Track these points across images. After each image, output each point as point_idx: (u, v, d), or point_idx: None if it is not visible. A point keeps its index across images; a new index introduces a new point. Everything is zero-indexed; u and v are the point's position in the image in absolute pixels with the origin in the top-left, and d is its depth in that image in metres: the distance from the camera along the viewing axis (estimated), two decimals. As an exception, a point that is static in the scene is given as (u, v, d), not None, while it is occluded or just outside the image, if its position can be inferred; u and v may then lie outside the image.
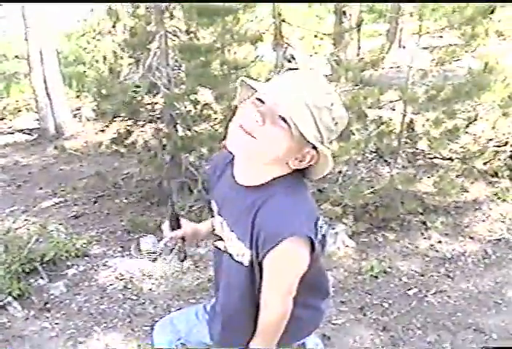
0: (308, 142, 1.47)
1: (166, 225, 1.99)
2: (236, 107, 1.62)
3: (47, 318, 3.58)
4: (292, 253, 1.53)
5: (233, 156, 1.66)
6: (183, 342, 2.06)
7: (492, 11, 4.71)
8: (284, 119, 1.44)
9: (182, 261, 2.14)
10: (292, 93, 1.44)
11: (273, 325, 1.71)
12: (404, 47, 11.76)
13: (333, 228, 4.22)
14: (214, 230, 1.84)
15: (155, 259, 4.16)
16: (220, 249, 1.80)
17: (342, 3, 6.84)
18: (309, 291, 1.75)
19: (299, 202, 1.57)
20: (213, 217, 1.84)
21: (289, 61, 9.01)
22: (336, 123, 1.51)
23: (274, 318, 1.70)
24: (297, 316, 1.73)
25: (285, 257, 1.54)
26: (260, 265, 1.60)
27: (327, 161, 1.53)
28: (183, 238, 1.99)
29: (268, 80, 1.63)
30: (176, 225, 1.98)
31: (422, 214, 4.62)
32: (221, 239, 1.78)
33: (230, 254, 1.72)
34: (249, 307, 1.72)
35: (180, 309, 2.17)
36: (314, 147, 1.50)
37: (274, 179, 1.57)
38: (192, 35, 5.17)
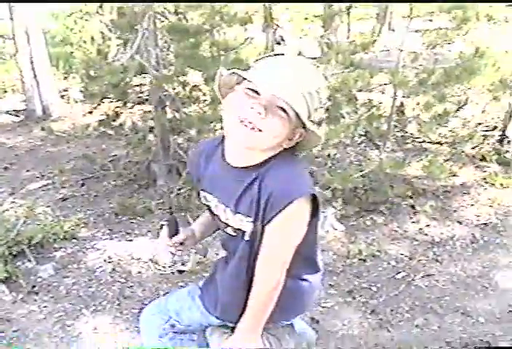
0: (303, 124, 1.57)
1: (164, 231, 1.97)
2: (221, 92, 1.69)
3: (35, 301, 3.56)
4: (298, 214, 1.62)
5: (220, 141, 1.76)
6: (173, 323, 2.04)
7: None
8: (282, 109, 1.52)
9: (205, 256, 2.12)
10: (287, 82, 1.53)
11: (265, 297, 1.72)
12: (393, 30, 11.73)
13: (322, 212, 4.22)
14: (214, 215, 1.85)
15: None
16: (221, 227, 1.84)
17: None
18: (303, 263, 1.79)
19: (298, 167, 1.68)
20: (209, 209, 1.87)
21: (279, 43, 8.97)
22: (323, 104, 1.64)
23: (267, 288, 1.71)
24: (288, 289, 1.74)
25: (291, 218, 1.61)
26: (261, 236, 1.66)
27: (316, 136, 1.63)
28: (182, 243, 1.99)
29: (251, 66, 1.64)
30: (174, 230, 1.95)
31: (411, 197, 4.63)
32: (218, 218, 1.82)
33: (229, 230, 1.77)
34: (244, 282, 1.75)
35: (167, 293, 2.12)
36: (303, 127, 1.59)
37: (269, 158, 1.64)
38: (181, 16, 5.11)
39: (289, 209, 1.57)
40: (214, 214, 1.84)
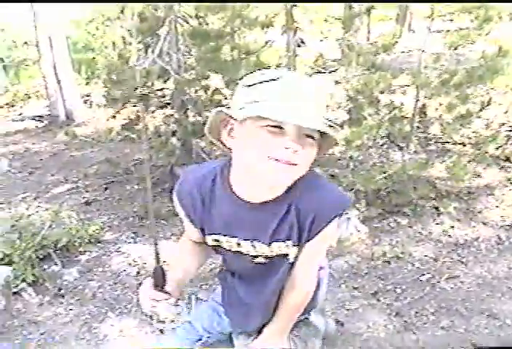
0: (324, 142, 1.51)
1: (148, 285, 1.71)
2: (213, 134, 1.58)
3: (61, 303, 3.60)
4: (335, 224, 1.62)
5: (215, 174, 1.63)
6: (205, 341, 2.05)
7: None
8: (307, 135, 1.45)
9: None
10: (306, 110, 1.43)
11: (302, 300, 1.75)
12: (413, 31, 11.66)
13: (345, 213, 4.21)
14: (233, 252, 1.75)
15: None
16: (246, 259, 1.75)
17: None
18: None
19: (325, 183, 1.64)
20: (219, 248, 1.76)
21: (299, 45, 8.95)
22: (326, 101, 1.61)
23: (305, 298, 1.74)
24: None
25: (332, 228, 1.61)
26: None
27: (332, 140, 1.52)
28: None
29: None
30: (161, 281, 1.69)
31: (434, 199, 4.60)
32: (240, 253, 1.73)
33: (259, 259, 1.72)
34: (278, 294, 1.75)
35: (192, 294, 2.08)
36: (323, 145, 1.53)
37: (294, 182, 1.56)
38: (201, 20, 5.13)
39: (333, 222, 1.59)
40: (235, 252, 1.73)
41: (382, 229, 4.30)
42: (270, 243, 1.64)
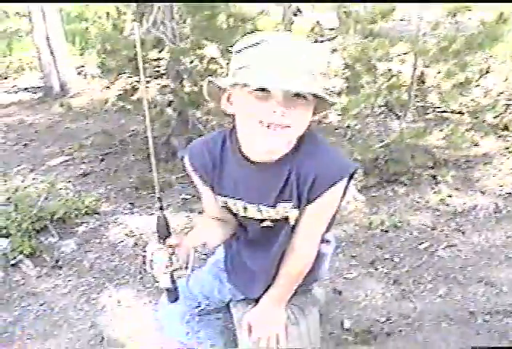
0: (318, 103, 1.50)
1: (152, 244, 1.66)
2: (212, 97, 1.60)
3: (59, 275, 3.60)
4: (340, 190, 1.61)
5: (224, 138, 1.68)
6: (202, 307, 2.04)
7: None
8: (297, 95, 1.43)
9: (175, 301, 1.72)
10: (291, 70, 1.41)
11: (302, 268, 1.75)
12: (412, -1, 11.49)
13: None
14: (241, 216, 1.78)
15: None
16: (253, 223, 1.77)
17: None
18: (328, 226, 1.77)
19: (327, 145, 1.65)
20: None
21: (295, 14, 8.86)
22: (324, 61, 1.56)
23: (304, 262, 1.74)
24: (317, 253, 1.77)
25: (335, 195, 1.61)
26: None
27: (327, 104, 1.53)
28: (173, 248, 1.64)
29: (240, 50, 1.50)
30: (165, 232, 1.64)
31: (432, 168, 4.58)
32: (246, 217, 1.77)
33: (266, 223, 1.74)
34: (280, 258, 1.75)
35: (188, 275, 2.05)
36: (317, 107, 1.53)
37: (297, 143, 1.58)
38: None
39: (334, 187, 1.57)
40: (242, 216, 1.77)
41: (379, 198, 4.29)
42: (275, 205, 1.66)
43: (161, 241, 1.62)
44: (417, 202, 4.23)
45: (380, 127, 4.89)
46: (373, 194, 4.33)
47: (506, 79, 5.62)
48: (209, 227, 1.85)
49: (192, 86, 5.13)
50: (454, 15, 4.29)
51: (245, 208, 1.72)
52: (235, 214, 1.79)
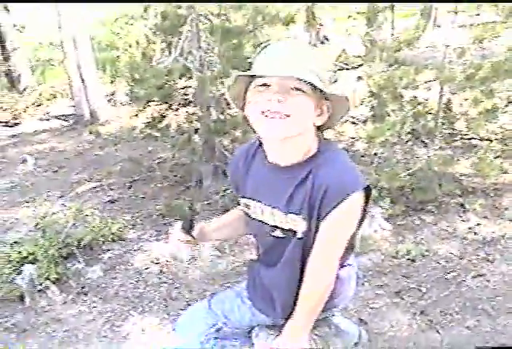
0: (321, 93, 1.58)
1: (177, 227, 1.95)
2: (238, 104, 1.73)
3: (85, 301, 3.62)
4: (353, 207, 1.61)
5: (257, 145, 1.77)
6: (219, 327, 2.02)
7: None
8: (296, 88, 1.53)
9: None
10: (286, 62, 1.55)
11: (321, 294, 1.72)
12: (439, 26, 11.50)
13: (369, 211, 4.15)
14: (259, 221, 1.81)
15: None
16: (266, 231, 1.79)
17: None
18: (346, 252, 1.75)
19: (348, 159, 1.67)
20: (249, 217, 1.85)
21: (323, 42, 8.92)
22: (326, 63, 1.68)
23: (323, 285, 1.71)
24: (337, 277, 1.75)
25: (348, 212, 1.61)
26: (315, 232, 1.65)
27: (342, 100, 1.63)
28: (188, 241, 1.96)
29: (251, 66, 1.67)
30: (188, 228, 1.92)
31: (460, 196, 4.53)
32: (262, 223, 1.79)
33: (278, 232, 1.74)
34: (299, 280, 1.73)
35: (214, 294, 2.09)
36: (326, 99, 1.62)
37: (317, 149, 1.66)
38: (223, 17, 5.12)
39: (345, 203, 1.56)
40: (259, 221, 1.80)
41: (406, 226, 4.24)
42: (287, 214, 1.68)
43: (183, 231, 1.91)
44: (445, 231, 4.17)
45: (406, 155, 4.86)
46: (400, 222, 4.28)
47: (534, 106, 5.54)
48: (224, 221, 2.05)
49: (219, 114, 5.17)
50: (481, 42, 4.28)
51: (262, 210, 1.76)
52: (253, 220, 1.83)
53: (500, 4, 4.37)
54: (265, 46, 1.63)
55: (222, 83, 4.93)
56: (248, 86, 1.63)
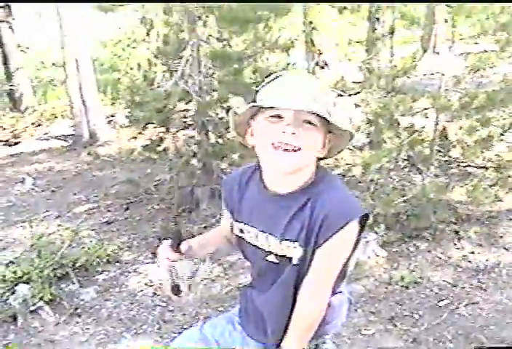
0: (329, 127, 1.62)
1: (165, 246, 1.90)
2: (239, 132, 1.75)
3: (78, 323, 3.62)
4: (350, 235, 1.63)
5: (254, 170, 1.79)
6: None
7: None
8: (308, 122, 1.57)
9: (177, 294, 1.92)
10: (300, 95, 1.57)
11: (313, 319, 1.72)
12: (438, 54, 11.61)
13: (364, 237, 4.17)
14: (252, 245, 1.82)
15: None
16: (260, 256, 1.80)
17: (376, 9, 6.81)
18: (338, 278, 1.76)
19: (345, 188, 1.70)
20: (242, 240, 1.85)
21: (322, 67, 9.00)
22: (332, 95, 1.70)
23: (316, 310, 1.71)
24: (329, 304, 1.75)
25: (344, 239, 1.62)
26: (311, 258, 1.66)
27: (344, 133, 1.65)
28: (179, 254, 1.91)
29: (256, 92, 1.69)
30: (176, 246, 1.87)
31: (455, 223, 4.54)
32: (257, 247, 1.80)
33: (272, 258, 1.75)
34: (289, 304, 1.74)
35: (207, 317, 2.11)
36: (329, 132, 1.65)
37: (315, 177, 1.67)
38: (225, 42, 5.19)
39: (343, 231, 1.58)
40: (253, 245, 1.81)
41: (400, 253, 4.25)
42: (281, 241, 1.69)
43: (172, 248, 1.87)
44: (439, 258, 4.18)
45: (402, 182, 4.89)
46: (394, 249, 4.29)
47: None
48: (210, 238, 2.06)
49: (217, 138, 5.22)
50: (477, 71, 4.34)
51: (256, 235, 1.77)
52: (247, 244, 1.83)
53: (497, 34, 4.45)
54: (276, 77, 1.65)
55: (221, 107, 4.99)
56: (255, 115, 1.65)
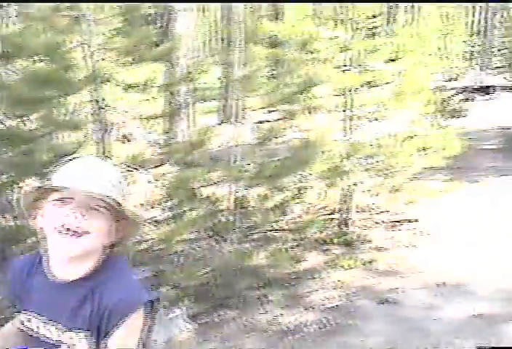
0: (120, 212, 1.56)
1: None
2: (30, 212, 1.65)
3: None
4: (138, 323, 1.58)
5: (40, 257, 1.66)
6: None
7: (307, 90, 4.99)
8: (96, 206, 1.51)
9: None
10: (88, 179, 1.52)
11: None
12: (233, 123, 12.10)
13: (167, 314, 4.08)
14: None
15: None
16: (48, 346, 1.69)
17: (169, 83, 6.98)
18: None
19: (132, 274, 1.65)
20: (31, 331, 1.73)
21: (123, 142, 8.96)
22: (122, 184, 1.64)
23: None
24: None
25: (133, 327, 1.57)
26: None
27: (134, 223, 1.62)
28: None
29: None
30: None
31: (263, 287, 4.64)
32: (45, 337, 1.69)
33: (63, 347, 1.65)
34: None
35: None
36: (117, 220, 1.58)
37: (103, 264, 1.60)
38: (19, 120, 4.98)
39: (129, 320, 1.54)
40: (42, 335, 1.69)
41: (210, 324, 4.23)
42: (68, 330, 1.62)
43: None
44: (250, 323, 4.23)
45: (205, 251, 4.93)
46: (204, 320, 4.26)
47: (321, 195, 5.94)
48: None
49: (15, 221, 4.94)
50: (267, 140, 4.58)
51: (44, 325, 1.67)
52: (36, 334, 1.71)
53: (282, 106, 4.77)
54: (69, 160, 1.60)
55: (12, 190, 4.75)
56: (44, 197, 1.57)
